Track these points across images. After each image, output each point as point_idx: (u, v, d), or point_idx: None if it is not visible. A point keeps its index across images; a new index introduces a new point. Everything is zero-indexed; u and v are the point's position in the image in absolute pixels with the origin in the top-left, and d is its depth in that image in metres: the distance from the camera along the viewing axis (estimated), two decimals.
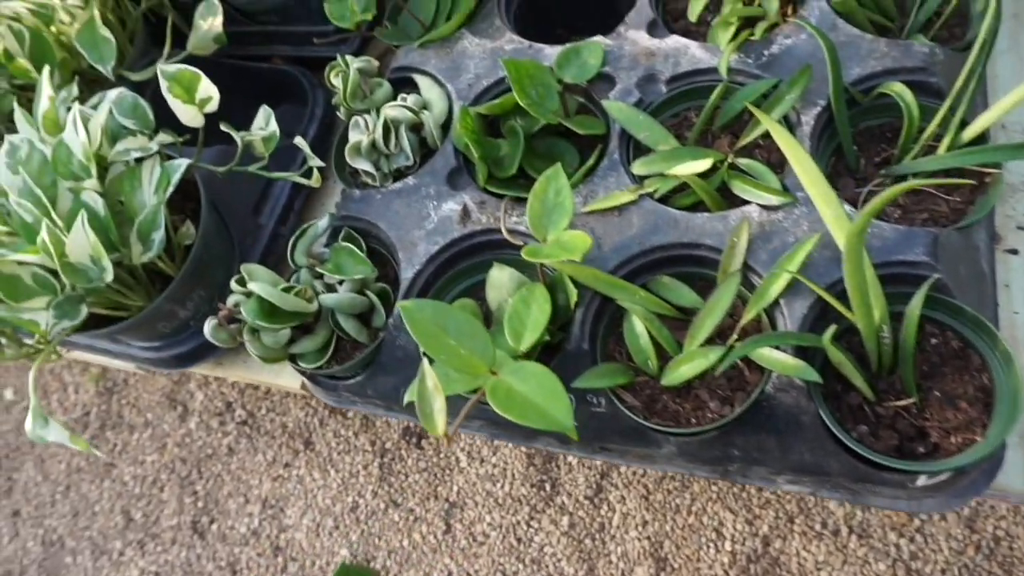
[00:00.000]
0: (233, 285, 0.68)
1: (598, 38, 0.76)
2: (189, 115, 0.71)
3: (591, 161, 0.70)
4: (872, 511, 1.00)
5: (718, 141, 0.69)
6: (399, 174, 0.78)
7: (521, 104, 0.67)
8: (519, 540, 1.07)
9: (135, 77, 0.88)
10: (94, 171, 0.66)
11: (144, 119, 0.73)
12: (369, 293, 0.71)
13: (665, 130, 0.68)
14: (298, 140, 0.73)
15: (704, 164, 0.62)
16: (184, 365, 0.83)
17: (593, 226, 0.66)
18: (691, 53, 0.71)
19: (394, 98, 0.81)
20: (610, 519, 1.05)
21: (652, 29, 0.75)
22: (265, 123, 0.74)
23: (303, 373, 0.73)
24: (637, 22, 0.75)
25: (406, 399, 0.59)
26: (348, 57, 0.79)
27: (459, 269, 0.72)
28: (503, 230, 0.67)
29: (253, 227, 0.86)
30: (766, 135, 0.65)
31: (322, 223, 0.76)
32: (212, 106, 0.71)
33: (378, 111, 0.80)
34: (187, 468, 1.25)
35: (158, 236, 0.68)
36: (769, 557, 0.98)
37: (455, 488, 1.12)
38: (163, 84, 0.68)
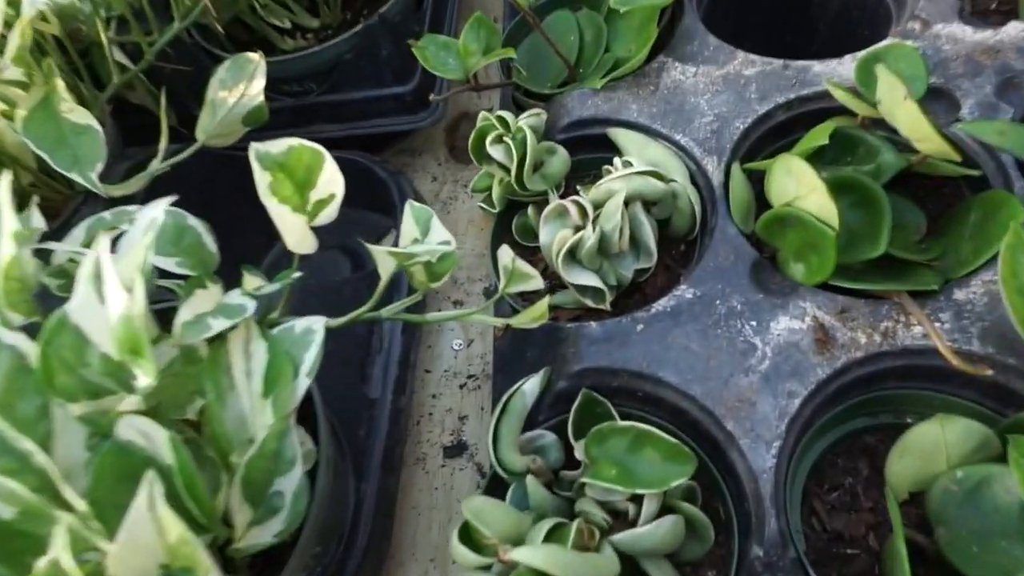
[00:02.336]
0: (457, 549, 0.34)
1: (892, 40, 0.50)
2: (298, 232, 0.37)
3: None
4: None
5: None
6: (631, 286, 0.48)
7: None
8: None
9: (117, 191, 0.53)
10: (144, 373, 0.30)
11: (198, 253, 0.38)
12: (683, 506, 0.38)
13: None
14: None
15: None
16: None
17: None
18: None
19: (576, 168, 0.52)
20: None
21: (965, 17, 0.51)
22: (423, 230, 0.41)
23: None
24: (940, 12, 0.51)
25: None
26: (503, 113, 0.49)
27: (818, 426, 0.41)
28: (942, 350, 0.38)
29: (363, 405, 0.51)
30: None
31: (529, 387, 0.43)
32: (331, 212, 0.39)
33: (570, 188, 0.49)
34: None
35: (290, 487, 0.32)
36: None
37: None
38: (261, 179, 0.34)
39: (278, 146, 0.35)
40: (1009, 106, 0.46)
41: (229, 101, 0.55)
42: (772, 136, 0.50)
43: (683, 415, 0.41)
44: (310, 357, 0.34)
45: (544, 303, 0.39)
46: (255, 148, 0.34)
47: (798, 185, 0.41)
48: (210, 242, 0.39)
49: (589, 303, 0.46)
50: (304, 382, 0.33)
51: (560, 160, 0.51)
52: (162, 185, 0.58)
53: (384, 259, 0.39)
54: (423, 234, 0.42)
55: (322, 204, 0.38)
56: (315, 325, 0.35)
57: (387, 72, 0.62)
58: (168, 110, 0.64)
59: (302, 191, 0.37)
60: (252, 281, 0.36)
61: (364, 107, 0.64)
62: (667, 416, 0.42)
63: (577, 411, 0.43)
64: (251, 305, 0.35)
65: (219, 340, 0.35)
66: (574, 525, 0.36)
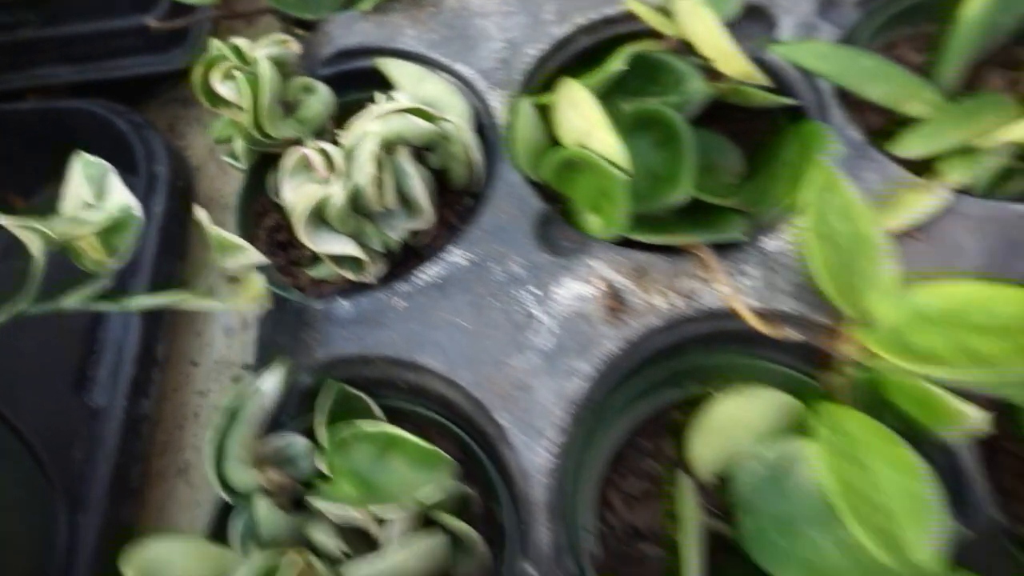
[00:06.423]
0: None
1: None
2: None
3: (803, 147, 0.37)
4: None
5: (984, 81, 0.41)
6: (402, 254, 0.39)
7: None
8: None
9: None
10: None
11: None
12: (445, 518, 0.31)
13: (917, 78, 0.38)
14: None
15: None
16: None
17: None
18: None
19: (346, 111, 0.42)
20: None
21: None
22: (96, 191, 0.31)
23: None
24: None
25: None
26: (238, 41, 0.39)
27: (619, 405, 0.34)
28: (740, 311, 0.31)
29: (81, 418, 0.40)
30: None
31: (268, 385, 0.34)
32: None
33: (327, 136, 0.40)
34: None
35: None
36: None
37: None
38: None
39: None
40: (833, 26, 0.41)
41: None
42: (575, 67, 0.42)
43: (454, 408, 0.33)
44: None
45: (253, 278, 0.30)
46: None
47: (584, 120, 0.34)
48: None
49: (349, 275, 0.37)
50: None
51: (320, 101, 0.41)
52: None
53: (27, 237, 0.28)
54: (98, 196, 0.31)
55: None
56: None
57: None
58: None
59: None
60: None
61: (100, 43, 0.52)
62: (438, 409, 0.34)
63: (330, 411, 0.34)
64: None
65: None
66: (284, 561, 0.27)
